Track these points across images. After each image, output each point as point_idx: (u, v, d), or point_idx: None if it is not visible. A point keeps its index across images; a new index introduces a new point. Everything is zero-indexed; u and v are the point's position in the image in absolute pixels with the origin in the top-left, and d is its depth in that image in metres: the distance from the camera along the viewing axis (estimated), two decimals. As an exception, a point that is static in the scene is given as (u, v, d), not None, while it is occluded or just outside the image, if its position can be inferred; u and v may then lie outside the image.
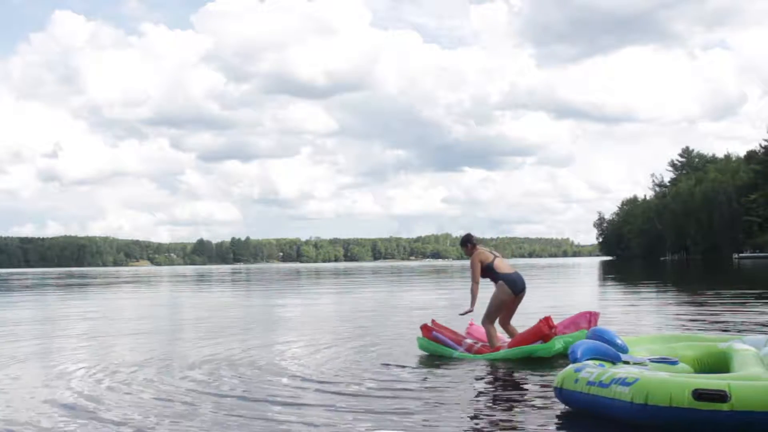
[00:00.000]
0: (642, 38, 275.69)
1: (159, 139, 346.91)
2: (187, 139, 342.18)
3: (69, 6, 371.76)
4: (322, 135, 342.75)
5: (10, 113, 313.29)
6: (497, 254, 7.40)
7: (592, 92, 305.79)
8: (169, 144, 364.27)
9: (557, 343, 6.72)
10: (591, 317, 7.22)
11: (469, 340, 7.39)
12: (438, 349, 7.33)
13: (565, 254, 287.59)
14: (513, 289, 7.20)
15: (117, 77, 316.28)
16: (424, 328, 7.50)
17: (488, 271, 7.30)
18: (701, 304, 13.49)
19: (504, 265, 7.32)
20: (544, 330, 6.75)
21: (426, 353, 7.41)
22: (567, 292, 20.33)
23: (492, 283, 7.38)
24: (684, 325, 9.67)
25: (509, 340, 7.28)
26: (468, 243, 7.44)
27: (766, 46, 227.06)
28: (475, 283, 7.29)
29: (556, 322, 7.47)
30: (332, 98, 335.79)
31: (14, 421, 4.82)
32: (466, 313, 7.37)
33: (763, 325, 9.55)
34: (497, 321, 7.42)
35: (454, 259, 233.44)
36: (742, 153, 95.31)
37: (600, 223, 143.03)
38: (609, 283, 26.03)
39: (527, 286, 7.42)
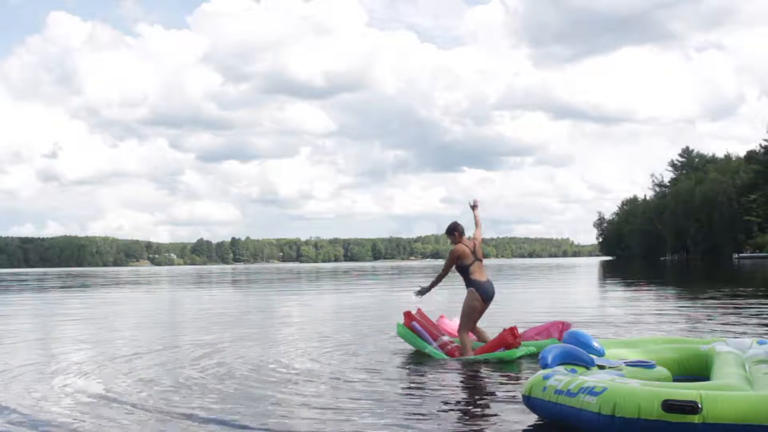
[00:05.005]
0: (639, 38, 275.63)
1: (158, 139, 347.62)
2: (186, 139, 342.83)
3: (65, 7, 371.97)
4: (321, 135, 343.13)
5: (9, 114, 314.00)
6: (479, 257, 7.21)
7: (589, 92, 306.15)
8: (168, 144, 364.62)
9: (518, 351, 6.80)
10: (563, 327, 7.18)
11: (445, 338, 7.34)
12: (413, 340, 7.40)
13: (565, 254, 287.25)
14: (483, 296, 7.13)
15: (114, 78, 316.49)
16: (407, 315, 7.53)
17: (463, 272, 7.20)
18: (698, 305, 13.30)
19: (479, 271, 7.18)
20: (509, 339, 6.81)
21: (410, 350, 7.45)
22: (566, 293, 20.05)
23: (462, 280, 7.29)
24: (679, 326, 9.47)
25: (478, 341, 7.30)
26: (455, 231, 7.25)
27: (763, 46, 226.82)
28: (440, 276, 7.35)
29: (535, 326, 7.52)
30: (330, 98, 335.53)
31: (13, 421, 4.77)
32: (419, 292, 7.49)
33: (760, 325, 9.32)
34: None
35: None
36: (740, 153, 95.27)
37: (600, 223, 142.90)
38: (608, 284, 25.79)
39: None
